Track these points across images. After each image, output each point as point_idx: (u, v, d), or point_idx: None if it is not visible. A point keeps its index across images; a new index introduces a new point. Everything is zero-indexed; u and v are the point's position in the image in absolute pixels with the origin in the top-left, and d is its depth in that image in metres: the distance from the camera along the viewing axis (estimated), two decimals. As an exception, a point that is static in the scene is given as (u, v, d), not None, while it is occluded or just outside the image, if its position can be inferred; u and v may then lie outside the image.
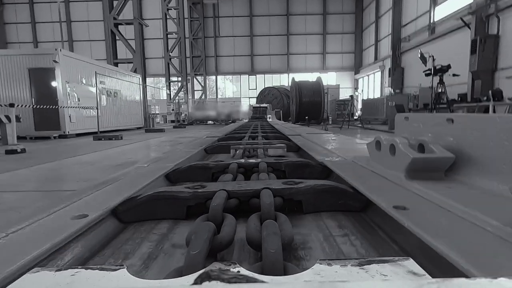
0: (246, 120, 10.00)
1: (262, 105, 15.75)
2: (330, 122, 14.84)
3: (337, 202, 0.80)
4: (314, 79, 16.37)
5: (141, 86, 14.92)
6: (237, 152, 1.72)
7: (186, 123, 19.12)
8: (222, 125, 13.13)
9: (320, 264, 0.39)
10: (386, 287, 0.28)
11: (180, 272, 0.42)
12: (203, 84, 31.79)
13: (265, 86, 21.30)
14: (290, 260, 0.56)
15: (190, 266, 0.42)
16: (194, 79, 31.45)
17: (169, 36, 24.45)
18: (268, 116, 10.70)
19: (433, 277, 0.35)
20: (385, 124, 14.63)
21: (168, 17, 24.07)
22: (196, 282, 0.34)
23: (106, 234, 0.68)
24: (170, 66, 24.54)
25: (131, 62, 15.74)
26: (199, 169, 1.18)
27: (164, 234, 0.70)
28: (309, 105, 14.30)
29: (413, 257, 0.41)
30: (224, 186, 0.80)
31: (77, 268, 0.39)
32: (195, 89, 31.70)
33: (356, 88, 28.47)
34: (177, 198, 0.77)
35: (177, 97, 24.85)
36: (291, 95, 15.36)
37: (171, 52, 24.50)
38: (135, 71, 15.56)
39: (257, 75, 32.37)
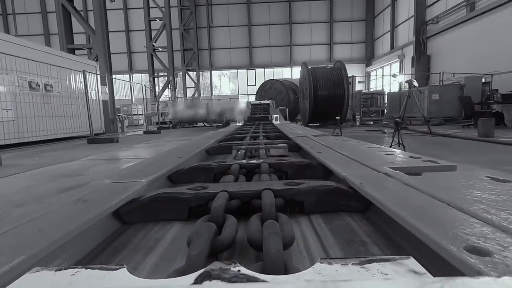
0: (241, 124, 6.17)
1: (263, 101, 12.05)
2: (357, 123, 10.99)
3: (339, 203, 0.79)
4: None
5: (98, 77, 10.97)
6: (239, 152, 1.70)
7: (169, 125, 15.18)
8: (213, 129, 9.26)
9: (321, 263, 0.38)
10: (389, 286, 0.27)
11: (181, 272, 0.41)
12: (196, 81, 27.90)
13: (266, 79, 17.36)
14: (290, 259, 0.56)
15: (190, 266, 0.41)
16: (186, 75, 27.61)
17: (154, 26, 20.56)
18: (274, 116, 6.77)
19: (434, 276, 0.34)
20: (426, 122, 10.78)
21: (153, 5, 20.19)
22: (197, 281, 0.34)
23: (108, 234, 0.69)
24: (154, 59, 20.62)
25: (91, 48, 11.80)
26: (201, 170, 1.15)
27: (165, 235, 0.70)
28: (327, 100, 10.38)
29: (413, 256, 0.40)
30: (226, 187, 0.79)
31: (77, 267, 0.39)
32: (187, 86, 27.87)
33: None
34: (178, 199, 0.77)
35: (163, 95, 20.97)
36: (302, 87, 11.40)
37: (155, 42, 20.57)
38: (96, 60, 11.62)
39: (256, 70, 28.53)
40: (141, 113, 21.54)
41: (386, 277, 0.35)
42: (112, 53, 28.87)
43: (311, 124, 11.41)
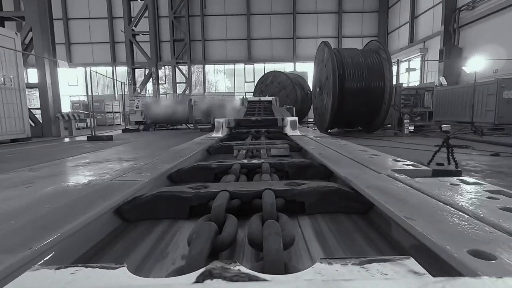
0: (220, 135, 2.59)
1: (263, 98, 8.71)
2: (407, 131, 7.52)
3: (340, 204, 0.79)
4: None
5: (20, 56, 7.38)
6: (240, 152, 1.69)
7: (139, 128, 11.61)
8: (197, 133, 5.95)
9: (321, 263, 0.38)
10: (390, 286, 0.27)
11: (181, 271, 0.41)
12: (187, 75, 24.37)
13: (268, 72, 13.89)
14: (290, 259, 0.56)
15: (191, 265, 0.41)
16: (176, 68, 24.09)
17: (138, 9, 17.00)
18: (288, 121, 2.88)
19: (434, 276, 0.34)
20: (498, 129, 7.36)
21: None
22: (198, 280, 0.34)
23: (110, 231, 0.69)
24: (135, 47, 17.07)
25: (23, 16, 8.24)
26: (202, 169, 1.14)
27: (166, 233, 0.70)
28: (359, 97, 6.94)
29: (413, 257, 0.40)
30: (226, 187, 0.80)
31: (77, 266, 0.38)
32: (177, 81, 24.35)
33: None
34: (179, 198, 0.77)
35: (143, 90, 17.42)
36: (320, 76, 7.90)
37: (135, 26, 17.01)
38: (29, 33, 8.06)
39: (255, 64, 25.06)
40: (118, 110, 18.02)
41: (386, 277, 0.34)
42: (93, 43, 25.42)
43: (331, 130, 7.97)
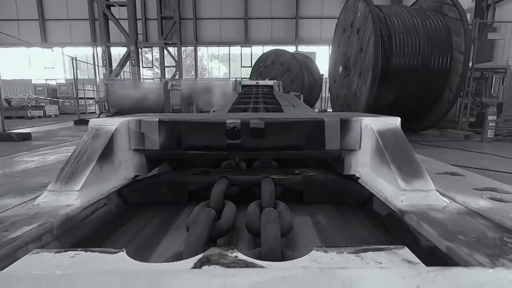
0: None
1: (261, 81, 6.25)
2: (491, 134, 4.94)
3: (339, 194, 0.77)
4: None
5: None
6: None
7: (101, 114, 9.00)
8: None
9: (317, 251, 0.38)
10: (384, 274, 0.27)
11: (179, 256, 0.41)
12: (177, 58, 21.57)
13: (268, 50, 11.25)
14: (287, 246, 0.55)
15: (189, 251, 0.41)
16: (165, 50, 21.30)
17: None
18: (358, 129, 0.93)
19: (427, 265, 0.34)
20: None
21: None
22: (196, 266, 0.34)
23: (112, 212, 0.70)
24: (110, 21, 14.24)
25: None
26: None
27: (165, 216, 0.70)
28: (411, 78, 4.44)
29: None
30: (226, 173, 0.78)
31: (76, 250, 0.38)
32: (165, 64, 21.58)
33: None
34: (179, 183, 0.77)
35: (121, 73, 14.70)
36: (351, 48, 5.34)
37: (110, -5, 14.14)
38: None
39: (253, 47, 22.30)
40: (92, 96, 15.31)
41: (381, 265, 0.35)
42: (71, 19, 22.43)
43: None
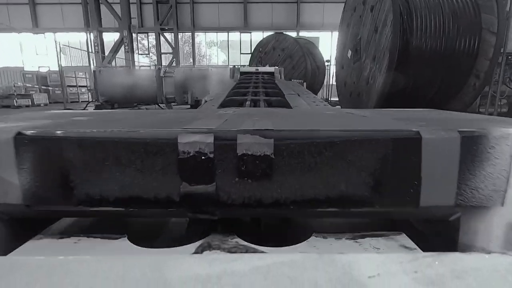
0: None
1: (261, 68, 5.91)
2: None
3: None
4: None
5: None
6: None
7: (89, 104, 8.42)
8: None
9: (316, 236, 0.38)
10: (382, 259, 0.28)
11: (179, 242, 0.40)
12: (174, 45, 20.77)
13: (268, 35, 10.56)
14: (287, 231, 0.55)
15: (190, 236, 0.40)
16: (161, 36, 20.50)
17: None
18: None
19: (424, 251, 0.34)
20: None
21: None
22: (197, 251, 0.34)
23: None
24: (102, 5, 13.43)
25: None
26: None
27: None
28: (433, 64, 3.88)
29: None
30: None
31: (79, 236, 0.38)
32: (162, 51, 20.83)
33: None
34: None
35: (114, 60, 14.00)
36: (363, 28, 4.71)
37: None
38: None
39: (252, 33, 21.46)
40: (85, 84, 14.64)
41: (378, 251, 0.35)
42: (63, 3, 21.48)
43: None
